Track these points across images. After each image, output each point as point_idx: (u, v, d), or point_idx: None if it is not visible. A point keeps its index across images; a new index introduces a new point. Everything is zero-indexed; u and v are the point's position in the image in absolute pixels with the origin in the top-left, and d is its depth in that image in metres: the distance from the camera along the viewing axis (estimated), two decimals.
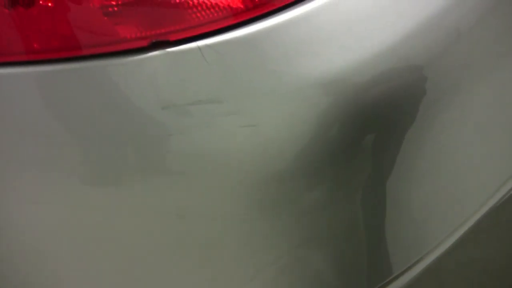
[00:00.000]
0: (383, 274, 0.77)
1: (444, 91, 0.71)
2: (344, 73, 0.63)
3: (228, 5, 0.61)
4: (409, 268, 0.80)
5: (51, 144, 0.63)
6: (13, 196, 0.68)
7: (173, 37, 0.60)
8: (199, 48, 0.60)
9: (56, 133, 0.63)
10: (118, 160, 0.64)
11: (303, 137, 0.64)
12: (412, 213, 0.76)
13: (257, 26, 0.61)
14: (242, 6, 0.61)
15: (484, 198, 0.85)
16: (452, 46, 0.68)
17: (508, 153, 0.87)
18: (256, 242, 0.70)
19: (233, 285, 0.73)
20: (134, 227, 0.68)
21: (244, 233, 0.69)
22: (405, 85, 0.67)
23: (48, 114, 0.62)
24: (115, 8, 0.60)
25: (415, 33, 0.65)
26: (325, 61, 0.63)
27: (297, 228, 0.70)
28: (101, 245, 0.70)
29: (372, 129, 0.67)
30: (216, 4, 0.61)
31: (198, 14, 0.61)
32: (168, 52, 0.60)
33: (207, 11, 0.61)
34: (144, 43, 0.60)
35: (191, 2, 0.60)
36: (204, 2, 0.61)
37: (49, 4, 0.59)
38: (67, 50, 0.60)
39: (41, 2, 0.59)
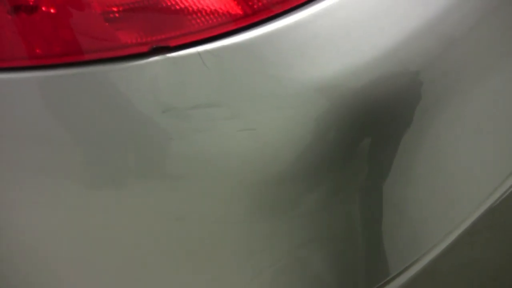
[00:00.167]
0: (380, 275, 0.77)
1: (439, 95, 0.71)
2: (341, 77, 0.63)
3: (227, 11, 0.61)
4: (406, 268, 0.79)
5: (53, 147, 0.63)
6: (15, 198, 0.68)
7: (173, 43, 0.60)
8: (198, 53, 0.60)
9: (58, 136, 0.63)
10: (119, 162, 0.64)
11: (301, 141, 0.64)
12: (409, 214, 0.76)
13: (255, 32, 0.61)
14: (241, 12, 0.61)
15: (480, 199, 0.85)
16: (447, 51, 0.68)
17: (502, 155, 0.86)
18: (255, 243, 0.69)
19: (233, 286, 0.73)
20: (134, 229, 0.68)
21: (243, 235, 0.69)
22: (401, 89, 0.67)
23: (50, 118, 0.63)
24: (116, 14, 0.60)
25: (411, 38, 0.65)
26: (322, 65, 0.63)
27: (296, 230, 0.69)
28: (101, 247, 0.70)
29: (369, 132, 0.67)
30: (216, 10, 0.61)
31: (198, 20, 0.61)
32: (168, 57, 0.60)
33: (207, 17, 0.61)
34: (144, 48, 0.60)
35: (191, 8, 0.60)
36: (203, 8, 0.61)
37: (51, 10, 0.59)
38: (69, 55, 0.61)
39: (43, 8, 0.59)
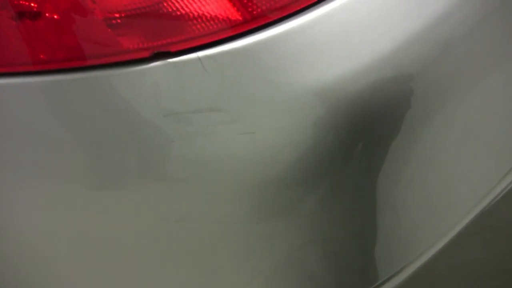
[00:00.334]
0: (377, 275, 0.77)
1: (435, 99, 0.71)
2: (339, 82, 0.63)
3: (227, 17, 0.61)
4: (402, 269, 0.80)
5: (56, 150, 0.63)
6: (18, 199, 0.68)
7: (174, 48, 0.61)
8: (199, 58, 0.60)
9: (61, 139, 0.63)
10: (121, 165, 0.64)
11: (300, 144, 0.64)
12: (405, 216, 0.76)
13: (255, 37, 0.61)
14: (240, 18, 0.61)
15: (475, 201, 0.85)
16: (442, 56, 0.68)
17: (497, 158, 0.86)
18: (255, 244, 0.69)
19: (233, 286, 0.73)
20: (135, 229, 0.68)
21: (243, 236, 0.69)
22: (398, 93, 0.67)
23: (53, 121, 0.63)
24: (118, 20, 0.60)
25: (407, 43, 0.65)
26: (320, 70, 0.63)
27: (295, 231, 0.69)
28: (101, 247, 0.70)
29: (366, 135, 0.67)
30: (216, 16, 0.61)
31: (199, 26, 0.61)
32: (170, 63, 0.60)
33: (207, 23, 0.61)
34: (146, 53, 0.60)
35: (191, 15, 0.61)
36: (204, 14, 0.61)
37: (55, 17, 0.59)
38: (72, 61, 0.61)
39: (47, 14, 0.59)
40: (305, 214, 0.68)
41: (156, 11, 0.60)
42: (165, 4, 0.60)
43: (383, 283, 0.78)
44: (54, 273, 0.73)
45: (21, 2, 0.59)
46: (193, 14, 0.61)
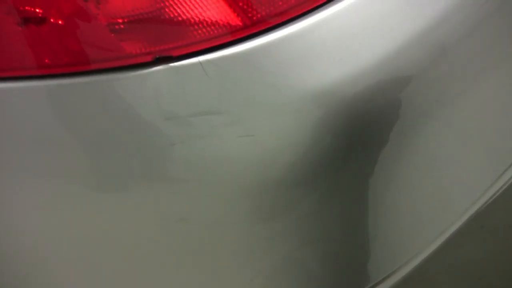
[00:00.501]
0: (374, 274, 0.78)
1: (431, 102, 0.71)
2: (337, 85, 0.63)
3: (228, 23, 0.61)
4: (399, 268, 0.80)
5: (61, 152, 0.63)
6: (22, 201, 0.68)
7: (176, 53, 0.61)
8: (200, 63, 0.60)
9: (65, 142, 0.63)
10: (123, 166, 0.64)
11: (298, 146, 0.64)
12: (402, 216, 0.76)
13: (255, 42, 0.62)
14: (240, 24, 0.61)
15: (470, 202, 0.85)
16: (438, 60, 0.69)
17: (491, 160, 0.87)
18: (254, 244, 0.70)
19: (233, 285, 0.73)
20: (136, 230, 0.68)
21: (243, 236, 0.69)
22: (394, 96, 0.67)
23: (57, 124, 0.62)
24: (121, 26, 0.60)
25: (404, 47, 0.66)
26: (319, 74, 0.63)
27: (294, 232, 0.70)
28: (104, 247, 0.70)
29: (363, 137, 0.67)
30: (216, 22, 0.61)
31: (200, 31, 0.61)
32: (171, 67, 0.60)
33: (208, 28, 0.61)
34: (148, 58, 0.60)
35: (192, 20, 0.61)
36: (205, 19, 0.61)
37: (59, 22, 0.59)
38: (76, 65, 0.61)
39: (51, 20, 0.59)
40: (304, 215, 0.68)
41: (158, 16, 0.60)
42: (167, 10, 0.60)
43: (380, 282, 0.78)
44: (54, 273, 0.73)
45: (26, 8, 0.59)
46: (194, 20, 0.61)
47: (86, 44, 0.60)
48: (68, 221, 0.68)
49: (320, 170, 0.66)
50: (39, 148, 0.64)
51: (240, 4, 0.61)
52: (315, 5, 0.63)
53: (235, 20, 0.61)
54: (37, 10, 0.59)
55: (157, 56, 0.60)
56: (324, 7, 0.64)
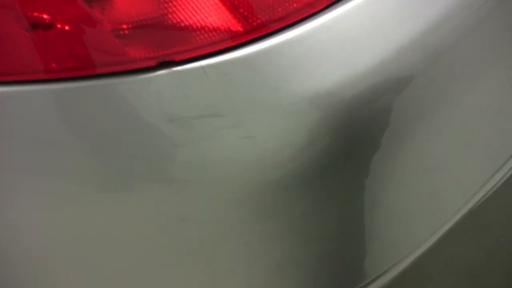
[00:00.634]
0: (371, 271, 0.78)
1: (426, 103, 0.71)
2: (335, 88, 0.64)
3: (229, 28, 0.62)
4: (394, 265, 0.80)
5: (67, 153, 0.63)
6: (30, 202, 0.68)
7: (178, 57, 0.61)
8: (202, 67, 0.61)
9: (70, 143, 0.63)
10: (126, 168, 0.64)
11: (297, 147, 0.64)
12: (397, 216, 0.77)
13: (255, 47, 0.62)
14: (241, 29, 0.62)
15: (463, 201, 0.86)
16: (434, 63, 0.69)
17: (483, 160, 0.87)
18: (254, 244, 0.70)
19: (232, 284, 0.73)
20: (138, 230, 0.68)
21: (243, 236, 0.69)
22: (390, 98, 0.68)
23: (63, 126, 0.63)
24: (126, 31, 0.60)
25: (399, 51, 0.66)
26: (317, 77, 0.63)
27: (291, 231, 0.70)
28: (106, 248, 0.70)
29: (360, 139, 0.68)
30: (218, 27, 0.61)
31: (202, 36, 0.61)
32: (174, 71, 0.61)
33: (210, 34, 0.61)
34: (152, 62, 0.61)
35: (195, 26, 0.61)
36: (206, 25, 0.61)
37: (66, 28, 0.59)
38: (82, 69, 0.61)
39: (58, 25, 0.59)
40: (303, 214, 0.69)
41: (161, 22, 0.60)
42: (170, 16, 0.60)
43: (375, 279, 0.79)
44: (55, 273, 0.73)
45: (34, 14, 0.59)
46: (197, 25, 0.61)
47: (91, 49, 0.60)
48: (73, 221, 0.68)
49: (318, 171, 0.66)
50: (45, 149, 0.64)
51: (241, 10, 0.62)
52: (313, 11, 0.64)
53: (236, 25, 0.62)
54: (44, 16, 0.59)
55: (161, 61, 0.61)
56: (322, 13, 0.64)
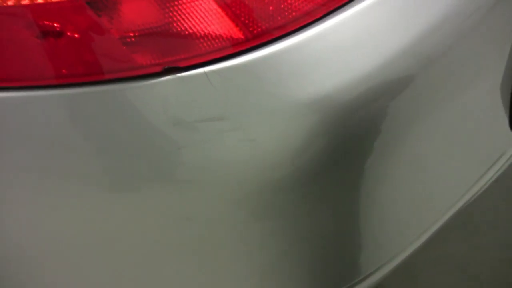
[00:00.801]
0: (366, 267, 0.79)
1: (418, 108, 0.72)
2: (331, 93, 0.64)
3: (231, 36, 0.62)
4: (388, 261, 0.81)
5: (76, 156, 0.64)
6: (37, 202, 0.68)
7: (183, 64, 0.62)
8: (205, 73, 0.61)
9: (80, 146, 0.63)
10: (133, 168, 0.64)
11: (295, 149, 0.64)
12: (390, 215, 0.77)
13: (255, 54, 0.63)
14: (242, 37, 0.63)
15: (453, 201, 0.86)
16: (425, 70, 0.69)
17: (472, 162, 0.88)
18: (254, 242, 0.70)
19: (232, 281, 0.74)
20: (142, 228, 0.69)
21: (243, 234, 0.70)
22: (384, 103, 0.68)
23: (73, 129, 0.63)
24: (133, 39, 0.61)
25: (392, 59, 0.67)
26: (314, 83, 0.64)
27: (289, 230, 0.70)
28: (111, 245, 0.71)
29: (355, 141, 0.68)
30: (220, 35, 0.62)
31: (205, 44, 0.62)
32: (179, 77, 0.61)
33: (213, 41, 0.62)
34: (157, 69, 0.61)
35: (198, 34, 0.61)
36: (209, 33, 0.62)
37: (76, 36, 0.60)
38: (91, 75, 0.61)
39: (68, 33, 0.60)
40: (300, 214, 0.69)
41: (166, 30, 0.61)
42: (174, 25, 0.61)
43: (369, 275, 0.80)
44: (60, 273, 0.74)
45: (45, 22, 0.60)
46: (200, 33, 0.62)
47: (100, 56, 0.61)
48: (81, 219, 0.69)
49: (315, 172, 0.66)
50: (54, 151, 0.64)
51: (242, 19, 0.62)
52: (311, 20, 0.64)
53: (237, 33, 0.62)
54: (55, 25, 0.60)
55: (166, 67, 0.61)
56: (319, 22, 0.65)
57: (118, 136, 0.63)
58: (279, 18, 0.63)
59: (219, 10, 0.62)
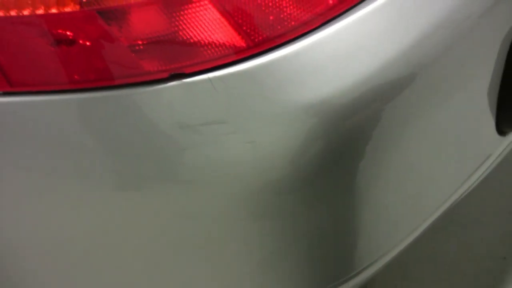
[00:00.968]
0: (359, 263, 0.79)
1: (410, 112, 0.72)
2: (328, 98, 0.65)
3: (233, 44, 0.63)
4: (379, 258, 0.82)
5: (86, 157, 0.65)
6: (46, 202, 0.69)
7: (188, 70, 0.63)
8: (209, 79, 0.62)
9: (90, 147, 0.65)
10: (140, 169, 0.65)
11: (294, 152, 0.65)
12: (382, 214, 0.78)
13: (257, 61, 0.64)
14: (244, 45, 0.63)
15: (442, 200, 0.88)
16: (417, 76, 0.70)
17: (460, 163, 0.89)
18: (254, 241, 0.71)
19: (232, 278, 0.75)
20: (146, 227, 0.70)
21: (242, 233, 0.71)
22: (377, 108, 0.69)
23: (84, 131, 0.64)
24: (141, 47, 0.62)
25: (385, 66, 0.67)
26: (312, 89, 0.64)
27: (288, 229, 0.71)
28: (116, 243, 0.71)
29: (350, 144, 0.69)
30: (223, 43, 0.63)
31: (209, 51, 0.63)
32: (184, 82, 0.62)
33: (216, 49, 0.63)
34: (164, 75, 0.62)
35: (203, 42, 0.62)
36: (213, 41, 0.63)
37: (87, 43, 0.61)
38: (102, 81, 0.62)
39: (80, 41, 0.61)
40: (298, 213, 0.70)
41: (173, 39, 0.62)
42: (180, 33, 0.62)
43: (362, 270, 0.81)
44: (65, 272, 0.75)
45: (58, 31, 0.61)
46: (204, 41, 0.62)
47: (110, 63, 0.62)
48: (88, 217, 0.69)
49: (313, 173, 0.67)
50: (66, 152, 0.65)
51: (244, 28, 0.63)
52: (309, 29, 0.65)
53: (239, 42, 0.63)
54: (68, 33, 0.61)
55: (172, 73, 0.62)
56: (317, 31, 0.66)
57: (125, 138, 0.64)
58: (279, 27, 0.64)
59: (223, 19, 0.63)
